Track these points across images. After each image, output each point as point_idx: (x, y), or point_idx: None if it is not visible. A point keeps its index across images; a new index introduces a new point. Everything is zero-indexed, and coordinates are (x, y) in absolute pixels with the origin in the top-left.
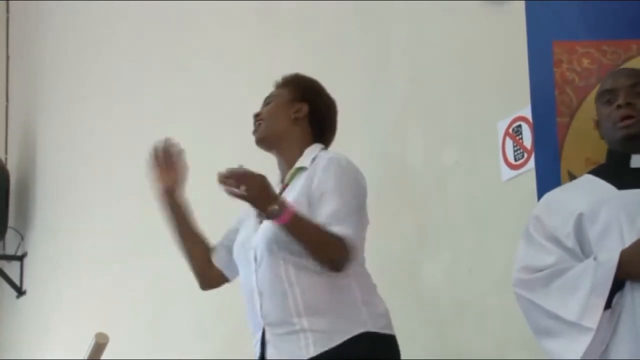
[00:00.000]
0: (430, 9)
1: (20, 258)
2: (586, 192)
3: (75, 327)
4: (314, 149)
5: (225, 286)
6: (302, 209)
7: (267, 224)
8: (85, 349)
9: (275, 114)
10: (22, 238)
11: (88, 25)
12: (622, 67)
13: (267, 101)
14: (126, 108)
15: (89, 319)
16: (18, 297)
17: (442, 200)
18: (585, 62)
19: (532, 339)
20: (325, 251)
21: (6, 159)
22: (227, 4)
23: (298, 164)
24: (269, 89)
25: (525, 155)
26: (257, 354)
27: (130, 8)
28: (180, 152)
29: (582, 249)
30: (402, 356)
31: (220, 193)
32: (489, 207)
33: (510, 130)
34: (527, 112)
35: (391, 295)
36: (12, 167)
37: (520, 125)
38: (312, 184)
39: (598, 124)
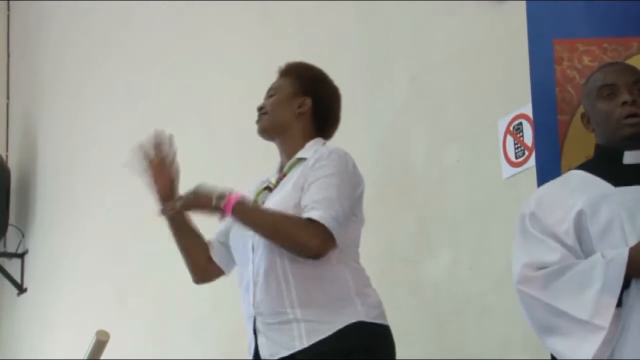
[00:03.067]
0: (431, 7)
1: (21, 255)
2: (582, 189)
3: (76, 324)
4: (315, 143)
5: (224, 284)
6: (292, 200)
7: None
8: (86, 347)
9: (278, 107)
10: (23, 235)
11: (89, 23)
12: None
13: (270, 93)
14: (126, 106)
15: (90, 316)
16: (19, 294)
17: (443, 198)
18: (586, 59)
19: (533, 337)
20: (290, 237)
21: (7, 156)
22: (228, 4)
23: (299, 155)
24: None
25: (526, 152)
26: (250, 344)
27: (131, 7)
28: (170, 147)
29: (581, 247)
30: (403, 354)
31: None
32: (490, 205)
33: (511, 128)
34: (528, 110)
35: (392, 293)
36: (12, 165)
37: (521, 123)
38: (306, 173)
39: (590, 118)
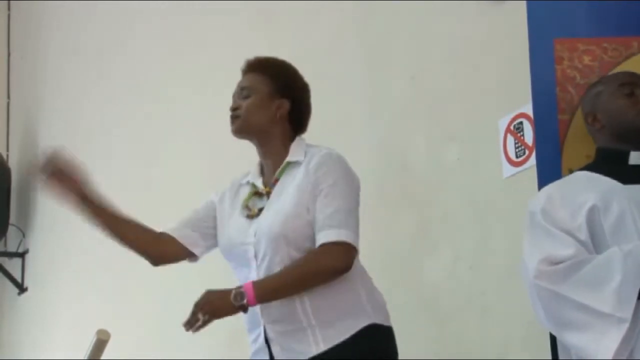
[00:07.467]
0: (431, 7)
1: (22, 255)
2: (591, 186)
3: (77, 324)
4: (299, 143)
5: (225, 285)
6: (303, 206)
7: (268, 218)
8: (87, 346)
9: (255, 111)
10: (24, 235)
11: (89, 23)
12: (623, 66)
13: (244, 94)
14: (127, 106)
15: (90, 316)
16: (19, 294)
17: (444, 197)
18: (587, 59)
19: (534, 335)
20: (318, 274)
21: (7, 156)
22: (228, 4)
23: (289, 158)
24: None
25: (527, 152)
26: (255, 352)
27: (132, 7)
28: (62, 154)
29: (593, 241)
30: (403, 354)
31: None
32: (490, 204)
33: (512, 127)
34: (529, 109)
35: (392, 292)
36: (13, 165)
37: (521, 122)
38: (310, 179)
39: (596, 116)
